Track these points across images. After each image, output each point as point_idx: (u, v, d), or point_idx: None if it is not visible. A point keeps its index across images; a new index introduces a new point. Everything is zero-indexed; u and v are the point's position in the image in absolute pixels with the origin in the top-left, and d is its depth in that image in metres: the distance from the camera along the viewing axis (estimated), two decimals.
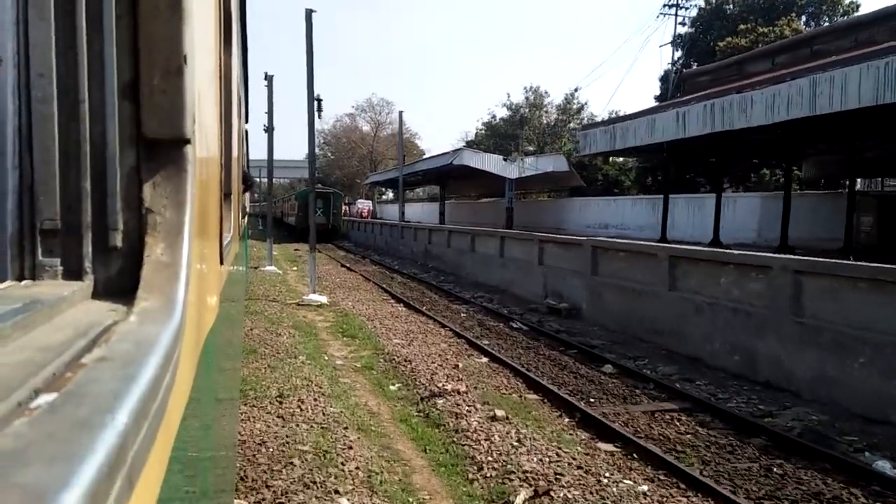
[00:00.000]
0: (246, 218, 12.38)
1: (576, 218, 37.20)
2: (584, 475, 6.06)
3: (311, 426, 7.09)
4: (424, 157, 49.05)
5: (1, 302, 0.70)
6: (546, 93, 63.42)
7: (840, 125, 18.16)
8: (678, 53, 46.68)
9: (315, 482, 5.69)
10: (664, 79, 46.10)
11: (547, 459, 6.37)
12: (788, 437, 7.15)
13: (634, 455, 6.65)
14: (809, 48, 24.87)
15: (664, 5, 47.67)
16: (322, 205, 40.93)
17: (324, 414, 7.53)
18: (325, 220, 42.57)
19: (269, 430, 6.90)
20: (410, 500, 5.64)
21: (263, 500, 5.39)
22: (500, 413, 7.66)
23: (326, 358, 10.53)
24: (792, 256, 10.84)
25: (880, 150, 22.31)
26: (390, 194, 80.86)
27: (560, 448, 6.70)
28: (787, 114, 16.56)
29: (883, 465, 6.41)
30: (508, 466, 6.20)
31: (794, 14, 40.10)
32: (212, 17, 1.47)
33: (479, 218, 46.10)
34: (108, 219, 0.88)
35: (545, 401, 8.52)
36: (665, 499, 5.67)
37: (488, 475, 6.08)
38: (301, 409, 7.62)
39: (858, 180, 26.54)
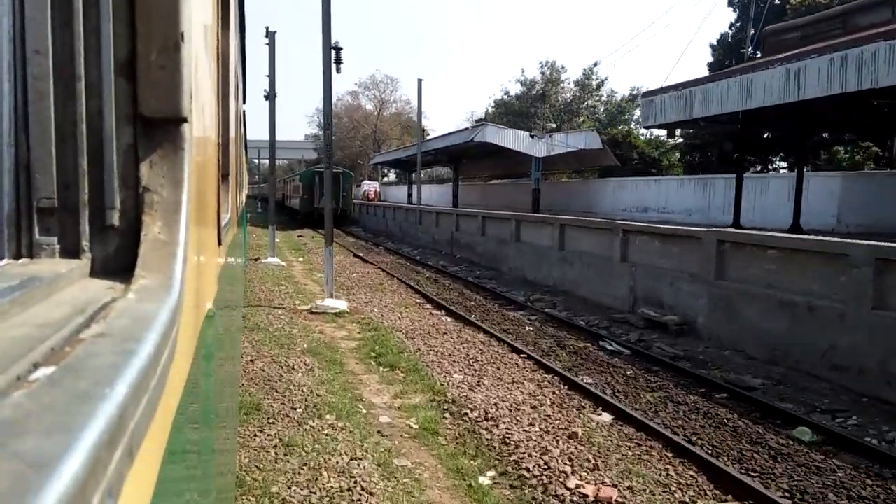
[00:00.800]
0: (244, 199, 11.58)
1: (609, 200, 33.74)
2: None
3: None
4: (436, 135, 45.61)
5: None
6: (563, 68, 61.72)
7: None
8: (734, 16, 41.77)
9: None
10: (720, 43, 40.86)
11: None
12: None
13: None
14: None
15: None
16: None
17: None
18: (334, 204, 40.93)
19: None
20: None
21: None
22: None
23: (364, 412, 7.24)
24: None
25: None
26: (392, 176, 80.00)
27: None
28: None
29: None
30: None
31: None
32: None
33: (495, 200, 42.45)
34: (105, 197, 0.88)
35: None
36: None
37: None
38: None
39: None
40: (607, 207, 32.97)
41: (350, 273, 18.92)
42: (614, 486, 5.59)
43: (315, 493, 5.22)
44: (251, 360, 8.86)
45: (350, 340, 10.64)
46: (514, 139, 32.31)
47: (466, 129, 38.14)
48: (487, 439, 6.56)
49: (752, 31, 32.84)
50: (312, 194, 38.74)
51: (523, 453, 6.21)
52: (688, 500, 5.49)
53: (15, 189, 0.83)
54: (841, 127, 23.57)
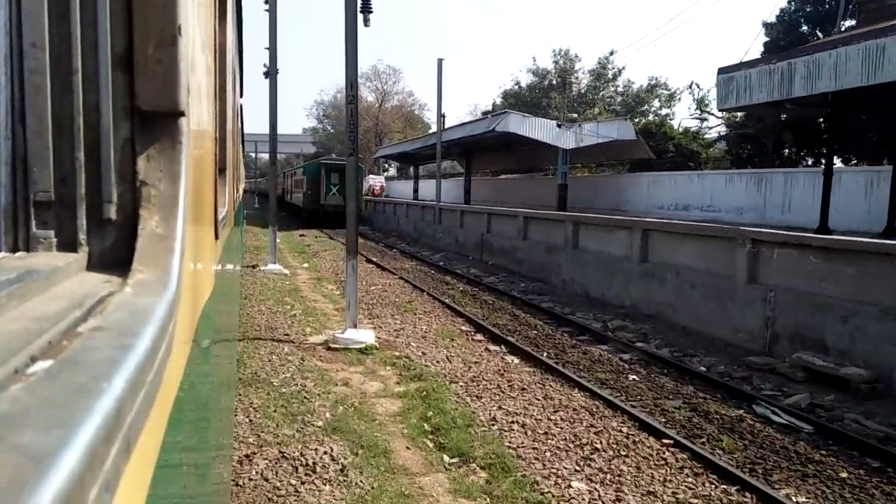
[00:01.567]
0: (241, 194, 11.13)
1: (642, 197, 30.75)
2: None
3: None
4: (450, 125, 41.32)
5: None
6: (577, 56, 58.85)
7: None
8: None
9: None
10: (780, 19, 36.14)
11: None
12: None
13: None
14: None
15: None
16: (338, 181, 34.39)
17: None
18: (342, 201, 35.92)
19: None
20: None
21: None
22: None
23: None
24: None
25: None
26: (392, 170, 78.93)
27: None
28: None
29: None
30: None
31: None
32: None
33: (510, 197, 39.58)
34: (102, 191, 0.88)
35: None
36: None
37: None
38: None
39: None
40: (640, 205, 30.20)
41: (367, 284, 15.41)
42: None
43: None
44: (248, 457, 5.67)
45: (389, 399, 7.52)
46: (539, 128, 29.56)
47: (485, 117, 34.57)
48: None
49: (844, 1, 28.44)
50: (318, 189, 35.34)
51: None
52: None
53: (12, 182, 0.83)
54: None
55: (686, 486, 5.58)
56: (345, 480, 5.36)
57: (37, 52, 0.81)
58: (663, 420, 7.24)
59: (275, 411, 6.83)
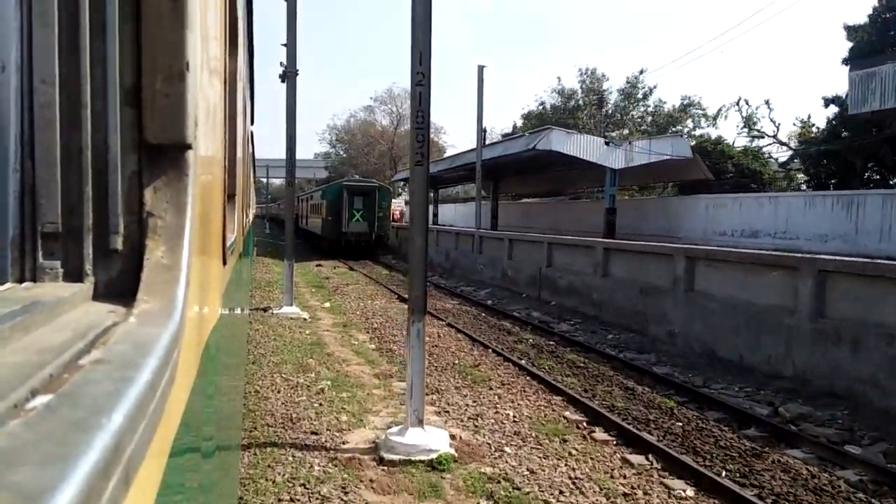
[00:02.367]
0: (251, 219, 10.04)
1: (699, 222, 27.87)
2: None
3: None
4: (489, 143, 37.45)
5: (1, 304, 0.71)
6: (604, 76, 57.61)
7: None
8: None
9: None
10: (872, 20, 32.15)
11: None
12: None
13: None
14: None
15: None
16: (363, 205, 30.88)
17: None
18: (368, 228, 31.24)
19: None
20: None
21: None
22: None
23: None
24: None
25: None
26: (406, 195, 78.34)
27: None
28: None
29: None
30: None
31: None
32: (217, 20, 1.49)
33: (542, 222, 36.61)
34: (108, 222, 0.89)
35: None
36: None
37: None
38: None
39: None
40: (697, 231, 27.31)
41: (403, 328, 10.94)
42: None
43: None
44: None
45: None
46: (585, 146, 27.45)
47: (522, 135, 32.83)
48: None
49: None
50: (339, 215, 31.19)
51: None
52: None
53: (20, 214, 0.84)
54: None
55: None
56: None
57: (47, 87, 0.83)
58: None
59: None
